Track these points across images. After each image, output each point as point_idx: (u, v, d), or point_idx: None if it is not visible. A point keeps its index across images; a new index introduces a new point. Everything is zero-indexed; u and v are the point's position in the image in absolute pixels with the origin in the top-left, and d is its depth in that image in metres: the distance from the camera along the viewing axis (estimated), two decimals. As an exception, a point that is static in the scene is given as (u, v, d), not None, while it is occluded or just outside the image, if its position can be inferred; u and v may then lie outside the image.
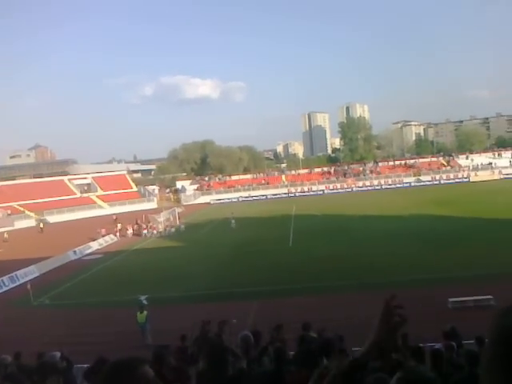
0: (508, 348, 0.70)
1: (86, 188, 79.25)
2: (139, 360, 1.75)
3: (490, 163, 77.32)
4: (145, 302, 18.76)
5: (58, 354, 9.34)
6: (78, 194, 76.34)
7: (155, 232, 43.89)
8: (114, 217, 54.46)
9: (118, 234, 43.67)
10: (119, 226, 44.93)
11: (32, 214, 64.93)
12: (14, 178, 79.96)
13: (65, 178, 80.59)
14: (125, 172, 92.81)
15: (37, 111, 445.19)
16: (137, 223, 46.76)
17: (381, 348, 1.96)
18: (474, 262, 21.96)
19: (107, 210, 69.74)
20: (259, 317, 15.27)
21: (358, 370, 1.91)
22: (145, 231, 43.88)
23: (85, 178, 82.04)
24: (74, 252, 35.07)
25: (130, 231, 44.52)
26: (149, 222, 45.85)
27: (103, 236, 41.50)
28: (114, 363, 1.72)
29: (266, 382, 5.04)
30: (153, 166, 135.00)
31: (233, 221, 42.19)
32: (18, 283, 26.30)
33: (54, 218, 63.56)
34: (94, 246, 38.41)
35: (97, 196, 76.15)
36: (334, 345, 6.30)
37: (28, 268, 28.63)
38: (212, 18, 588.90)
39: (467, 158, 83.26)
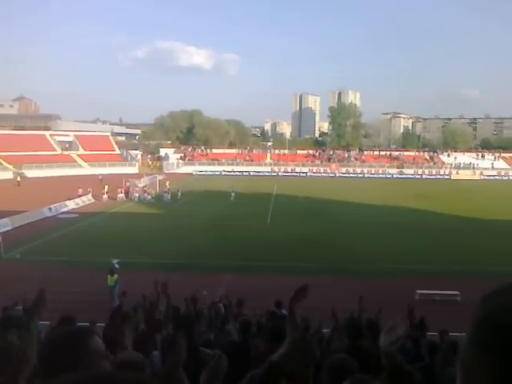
0: (492, 331, 0.71)
1: (67, 145, 77.59)
2: (89, 331, 1.69)
3: (471, 163, 78.40)
4: (116, 265, 18.71)
5: (21, 308, 9.24)
6: (59, 151, 74.87)
7: (137, 195, 43.51)
8: (100, 177, 53.73)
9: (105, 195, 42.50)
10: (106, 187, 43.28)
11: (10, 167, 63.65)
12: (-6, 128, 78.04)
13: (47, 133, 78.71)
14: (109, 133, 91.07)
15: (24, 63, 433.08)
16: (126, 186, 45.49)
17: (300, 347, 1.93)
18: (447, 257, 22.43)
19: (87, 169, 68.78)
20: (230, 290, 15.35)
21: (275, 376, 1.87)
22: (120, 195, 43.33)
23: (67, 136, 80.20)
24: (50, 209, 34.59)
25: (121, 195, 43.41)
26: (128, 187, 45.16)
27: (80, 196, 40.85)
28: (63, 333, 1.66)
29: (232, 352, 5.06)
30: (138, 131, 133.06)
31: (233, 194, 42.39)
32: (-11, 234, 25.91)
33: (32, 173, 62.35)
34: (71, 205, 37.88)
35: (78, 155, 74.83)
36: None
37: (1, 220, 28.20)
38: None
39: (448, 155, 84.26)
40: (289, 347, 1.93)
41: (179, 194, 43.48)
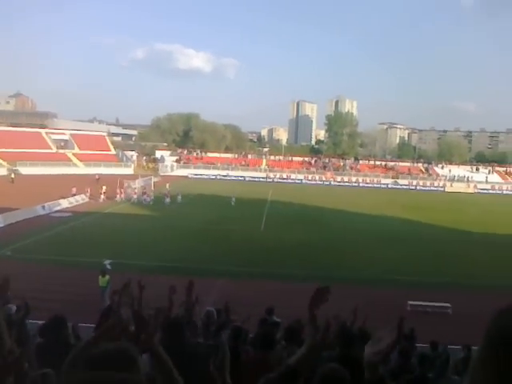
0: (503, 348, 0.70)
1: (62, 144, 77.34)
2: (134, 351, 1.68)
3: (465, 176, 78.85)
4: (108, 266, 18.64)
5: (14, 308, 9.15)
6: (54, 149, 74.58)
7: (135, 197, 43.40)
8: (97, 176, 53.48)
9: (102, 195, 42.02)
10: (104, 188, 42.66)
11: (4, 163, 63.30)
12: (-10, 124, 77.63)
13: (42, 131, 78.43)
14: (105, 133, 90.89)
15: (22, 60, 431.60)
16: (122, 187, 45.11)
17: (316, 352, 1.94)
18: (439, 269, 22.51)
19: (82, 169, 68.56)
20: (222, 295, 15.31)
21: (292, 379, 1.88)
22: (118, 196, 43.05)
23: (63, 134, 79.97)
24: (43, 207, 34.41)
25: (119, 196, 43.02)
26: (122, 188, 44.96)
27: (74, 195, 40.63)
28: (110, 351, 1.64)
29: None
30: (134, 132, 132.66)
31: (233, 198, 42.47)
32: (-19, 231, 25.76)
33: (26, 170, 62.01)
34: (64, 203, 37.72)
35: (73, 154, 74.55)
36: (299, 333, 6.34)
37: (-7, 217, 28.04)
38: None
39: (442, 167, 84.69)
40: (306, 351, 1.94)
41: (179, 197, 43.13)
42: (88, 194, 42.13)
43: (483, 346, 0.73)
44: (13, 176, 53.78)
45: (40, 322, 7.74)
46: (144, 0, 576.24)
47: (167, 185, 48.58)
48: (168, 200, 42.12)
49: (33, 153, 67.29)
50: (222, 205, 41.50)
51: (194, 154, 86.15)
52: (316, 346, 1.98)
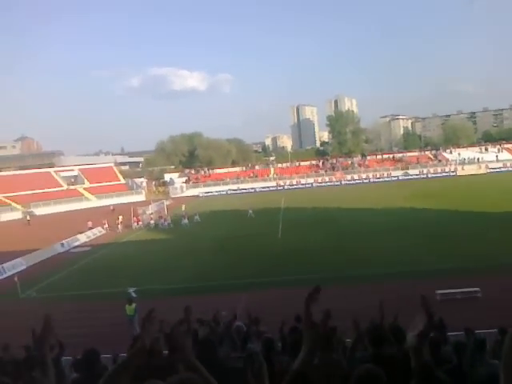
0: None
1: (72, 180, 78.43)
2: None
3: (475, 158, 78.12)
4: (133, 294, 18.72)
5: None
6: (65, 186, 75.54)
7: (152, 222, 43.66)
8: (112, 207, 54.05)
9: (120, 225, 42.26)
10: (121, 218, 42.89)
11: (19, 206, 64.17)
12: (-1, 170, 78.91)
13: (51, 170, 79.61)
14: (112, 164, 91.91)
15: (23, 103, 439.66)
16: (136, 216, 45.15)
17: (316, 351, 1.96)
18: (461, 254, 22.24)
19: (94, 202, 69.24)
20: (249, 308, 15.29)
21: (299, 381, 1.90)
22: (135, 223, 43.32)
23: (72, 170, 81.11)
24: (62, 244, 34.74)
25: (136, 223, 43.17)
26: (138, 215, 45.25)
27: (90, 228, 41.00)
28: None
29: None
30: (141, 159, 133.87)
31: (250, 211, 42.55)
32: (5, 275, 26.00)
33: (40, 211, 62.85)
34: (82, 238, 38.04)
35: (84, 188, 75.42)
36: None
37: (15, 260, 28.31)
38: (199, 8, 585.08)
39: (451, 152, 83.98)
40: (305, 352, 1.95)
41: (196, 217, 43.07)
42: (106, 226, 42.35)
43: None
44: (28, 218, 54.47)
45: (72, 358, 7.83)
46: (134, 28, 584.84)
47: (183, 206, 48.72)
48: (186, 221, 42.05)
49: (45, 193, 68.26)
50: (240, 218, 41.59)
51: (202, 173, 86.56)
52: (315, 344, 2.00)
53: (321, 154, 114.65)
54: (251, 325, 10.35)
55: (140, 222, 43.96)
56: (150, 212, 46.99)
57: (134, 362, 2.17)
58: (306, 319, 2.14)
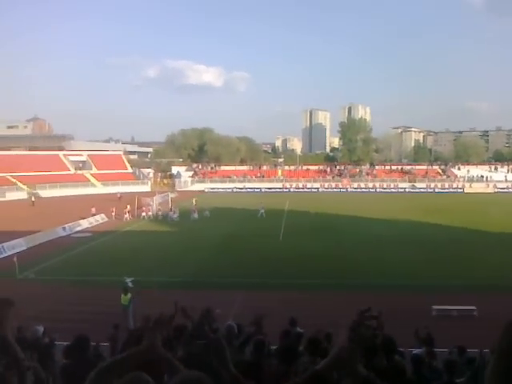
0: None
1: (80, 165, 78.74)
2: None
3: (483, 176, 77.60)
4: (130, 284, 18.71)
5: (41, 329, 9.24)
6: (72, 171, 75.92)
7: (160, 214, 43.70)
8: (119, 195, 54.14)
9: (126, 214, 42.11)
10: (129, 207, 42.70)
11: (24, 187, 64.52)
12: (9, 149, 79.05)
13: (60, 153, 79.94)
14: (121, 152, 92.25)
15: (38, 84, 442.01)
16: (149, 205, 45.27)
17: (344, 362, 1.93)
18: (461, 272, 22.11)
19: (100, 188, 69.52)
20: (243, 308, 15.27)
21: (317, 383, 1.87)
22: (143, 214, 43.26)
23: (80, 155, 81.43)
24: (64, 228, 34.86)
25: (144, 214, 43.07)
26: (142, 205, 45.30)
27: (93, 215, 41.03)
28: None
29: (244, 371, 5.01)
30: (150, 149, 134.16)
31: (262, 210, 42.29)
32: (4, 255, 26.17)
33: (46, 193, 63.19)
34: (84, 224, 38.13)
35: (91, 174, 75.79)
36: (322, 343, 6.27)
37: (16, 241, 28.45)
38: (222, 3, 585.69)
39: (459, 168, 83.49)
40: (332, 358, 1.93)
41: (207, 212, 42.81)
42: (113, 214, 42.21)
43: (495, 357, 0.73)
44: (33, 199, 54.75)
45: (65, 344, 7.83)
46: (153, 19, 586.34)
47: (194, 200, 48.59)
48: (195, 215, 41.69)
49: (52, 175, 68.57)
50: (251, 217, 41.52)
51: (209, 168, 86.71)
52: (341, 355, 1.96)
53: (330, 159, 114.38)
54: (252, 326, 10.26)
55: (150, 213, 43.99)
56: (155, 203, 47.07)
57: (132, 361, 2.16)
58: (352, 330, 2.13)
